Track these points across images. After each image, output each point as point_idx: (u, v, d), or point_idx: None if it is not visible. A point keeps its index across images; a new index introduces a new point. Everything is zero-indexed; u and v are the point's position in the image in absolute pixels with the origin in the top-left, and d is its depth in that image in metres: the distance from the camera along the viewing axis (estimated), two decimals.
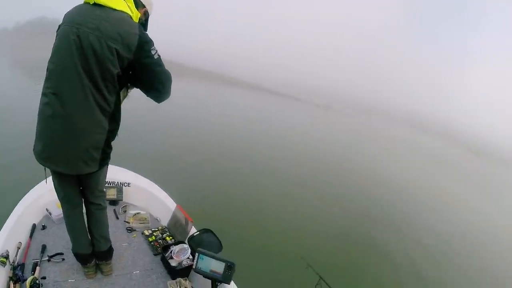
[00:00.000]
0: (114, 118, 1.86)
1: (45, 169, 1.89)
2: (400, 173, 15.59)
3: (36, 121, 1.77)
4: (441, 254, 7.02)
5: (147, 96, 1.91)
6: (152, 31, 1.89)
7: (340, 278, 4.67)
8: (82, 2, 1.73)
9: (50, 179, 1.99)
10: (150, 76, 1.80)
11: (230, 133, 14.26)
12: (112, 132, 1.89)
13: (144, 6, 1.92)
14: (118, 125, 1.93)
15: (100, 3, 1.65)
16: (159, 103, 1.95)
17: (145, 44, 1.73)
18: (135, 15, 1.79)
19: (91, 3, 1.67)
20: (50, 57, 1.70)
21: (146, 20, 1.99)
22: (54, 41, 1.73)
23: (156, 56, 1.77)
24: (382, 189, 11.23)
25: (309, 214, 7.17)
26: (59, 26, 1.72)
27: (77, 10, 1.70)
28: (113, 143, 1.96)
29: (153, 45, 1.77)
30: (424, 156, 27.59)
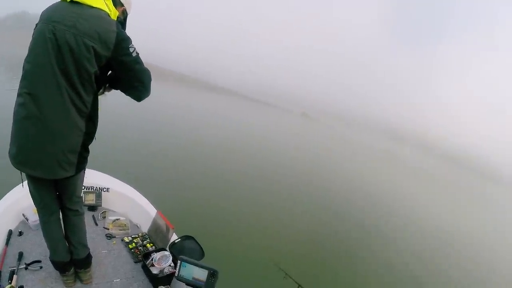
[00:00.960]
0: (91, 119, 1.81)
1: (21, 173, 1.81)
2: (375, 180, 16.17)
3: (12, 123, 1.70)
4: (415, 255, 7.39)
5: (127, 95, 1.87)
6: (136, 36, 1.86)
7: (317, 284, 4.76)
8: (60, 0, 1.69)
9: (26, 183, 1.92)
10: (129, 74, 1.77)
11: (211, 140, 14.31)
12: (89, 134, 1.84)
13: (122, 5, 1.89)
14: (96, 127, 1.88)
15: (77, 1, 1.62)
16: (139, 101, 1.91)
17: (123, 41, 1.70)
18: (113, 13, 1.77)
19: (68, 1, 1.63)
20: (26, 56, 1.65)
21: (125, 19, 1.96)
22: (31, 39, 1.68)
23: (134, 54, 1.74)
24: (357, 196, 11.75)
25: (287, 218, 7.35)
26: (36, 25, 1.68)
27: (54, 8, 1.66)
28: (90, 147, 1.91)
29: (131, 43, 1.75)
30: (398, 165, 28.43)
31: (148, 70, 1.82)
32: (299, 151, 19.53)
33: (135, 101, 1.91)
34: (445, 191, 22.54)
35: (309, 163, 15.97)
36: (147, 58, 1.83)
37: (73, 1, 1.62)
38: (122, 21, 1.92)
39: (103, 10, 1.68)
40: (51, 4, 1.69)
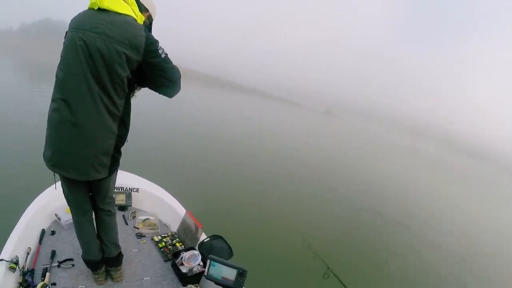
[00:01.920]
0: (123, 122, 1.85)
1: (54, 174, 1.87)
2: (400, 176, 15.94)
3: (46, 127, 1.75)
4: (445, 249, 7.35)
5: (159, 93, 1.89)
6: (161, 38, 1.87)
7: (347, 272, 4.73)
8: (86, 8, 1.72)
9: (59, 184, 1.97)
10: (160, 74, 1.79)
11: (236, 139, 14.41)
12: (121, 137, 1.87)
13: (147, 11, 1.91)
14: (127, 129, 1.92)
15: (104, 8, 1.65)
16: (170, 97, 1.93)
17: (151, 44, 1.72)
18: (140, 18, 1.79)
19: (95, 9, 1.66)
20: (59, 64, 1.69)
21: (150, 24, 1.98)
22: (61, 46, 1.72)
23: (163, 55, 1.76)
24: (385, 190, 11.76)
25: (318, 218, 7.25)
26: (66, 33, 1.72)
27: (82, 16, 1.70)
28: (122, 149, 1.94)
29: (159, 45, 1.77)
30: (423, 161, 27.71)
31: (177, 68, 1.84)
32: (325, 148, 19.35)
33: (167, 97, 1.93)
34: (475, 187, 21.71)
35: (335, 161, 15.81)
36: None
37: (101, 9, 1.65)
38: (148, 25, 1.94)
39: (130, 16, 1.71)
40: (79, 13, 1.73)
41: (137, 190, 3.39)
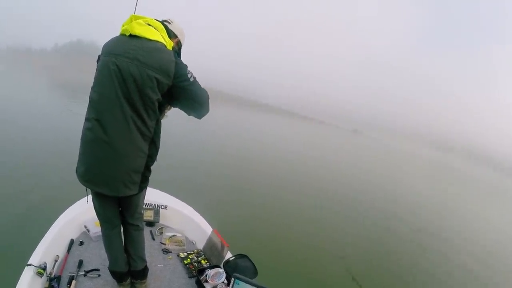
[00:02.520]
0: (154, 143, 1.90)
1: (86, 189, 1.94)
2: (431, 195, 15.49)
3: (79, 144, 1.83)
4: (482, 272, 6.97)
5: (188, 114, 1.95)
6: (187, 59, 1.95)
7: None
8: (118, 33, 1.82)
9: (90, 197, 2.04)
10: (189, 97, 1.84)
11: (266, 160, 14.48)
12: (152, 156, 1.93)
13: (176, 36, 2.00)
14: (157, 149, 1.97)
15: (136, 34, 1.74)
16: (200, 118, 1.99)
17: (181, 69, 1.79)
18: (169, 44, 1.86)
19: (127, 35, 1.75)
20: (92, 87, 1.78)
21: (179, 49, 2.07)
22: (92, 67, 1.83)
23: (192, 79, 1.82)
24: (420, 211, 11.50)
25: (346, 237, 7.09)
26: (99, 57, 1.81)
27: (115, 41, 1.79)
28: (151, 167, 2.00)
29: (188, 69, 1.83)
30: (451, 176, 26.70)
31: (205, 90, 1.89)
32: (354, 167, 19.13)
33: (196, 118, 1.99)
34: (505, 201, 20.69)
35: (366, 179, 15.58)
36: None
37: (132, 35, 1.74)
38: (177, 50, 2.03)
39: (160, 42, 1.79)
40: (111, 38, 1.82)
41: (165, 207, 3.45)
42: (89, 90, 1.80)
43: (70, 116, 12.79)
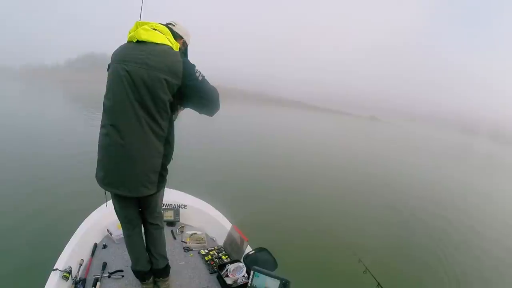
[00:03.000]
0: (168, 142, 1.96)
1: (105, 193, 2.01)
2: (455, 180, 15.05)
3: (97, 151, 1.90)
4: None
5: (199, 112, 1.99)
6: (198, 60, 1.99)
7: None
8: (125, 41, 1.89)
9: (110, 202, 2.11)
10: (199, 96, 1.89)
11: (279, 153, 14.45)
12: (167, 155, 1.98)
13: (181, 37, 2.07)
14: (172, 148, 2.02)
15: (143, 40, 1.80)
16: (211, 116, 2.02)
17: (189, 68, 1.84)
18: (175, 45, 1.92)
19: (134, 41, 1.82)
20: (105, 94, 1.85)
21: (186, 49, 2.13)
22: (105, 78, 1.89)
23: (200, 78, 1.86)
24: (439, 199, 10.90)
25: (367, 228, 6.98)
26: (109, 65, 1.88)
27: (123, 48, 1.86)
28: (168, 167, 2.05)
29: (196, 68, 1.88)
30: (476, 160, 25.92)
31: (215, 88, 1.94)
32: (372, 155, 18.83)
33: (208, 116, 2.02)
34: None
35: (383, 167, 15.29)
36: (211, 78, 1.97)
37: (139, 41, 1.81)
38: (183, 51, 2.10)
39: (166, 45, 1.85)
40: (119, 46, 1.89)
41: (185, 206, 3.52)
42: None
43: (89, 128, 13.19)
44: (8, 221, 4.93)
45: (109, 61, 1.91)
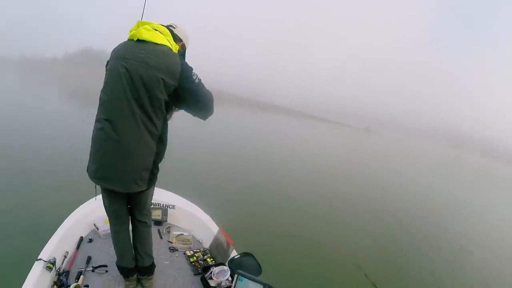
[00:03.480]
0: (161, 140, 1.99)
1: (95, 187, 2.03)
2: (446, 192, 15.19)
3: (90, 145, 1.92)
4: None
5: (193, 115, 2.03)
6: (194, 62, 2.04)
7: None
8: (126, 39, 1.92)
9: (99, 197, 2.13)
10: (194, 98, 1.93)
11: (270, 160, 14.53)
12: (159, 154, 2.01)
13: (181, 40, 2.11)
14: (165, 147, 2.05)
15: (143, 39, 1.84)
16: (204, 120, 2.07)
17: (186, 71, 1.88)
18: (174, 47, 1.96)
19: (135, 40, 1.86)
20: (102, 89, 1.87)
21: (184, 52, 2.17)
22: (102, 72, 1.93)
23: (197, 81, 1.91)
24: (431, 208, 11.29)
25: (351, 237, 7.07)
26: (108, 62, 1.91)
27: (123, 46, 1.89)
28: (161, 167, 2.08)
29: (193, 71, 1.92)
30: (466, 173, 26.33)
31: (210, 92, 1.98)
32: (364, 165, 19.08)
33: (201, 119, 2.08)
34: None
35: (378, 178, 15.53)
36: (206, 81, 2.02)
37: (140, 40, 1.84)
38: (182, 53, 2.14)
39: (166, 46, 1.89)
40: (120, 43, 1.92)
41: (173, 207, 3.52)
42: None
43: (82, 125, 13.13)
44: None
45: (107, 58, 1.94)
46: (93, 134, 1.89)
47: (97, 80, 1.99)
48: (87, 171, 1.95)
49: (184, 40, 2.14)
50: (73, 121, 14.49)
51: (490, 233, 10.04)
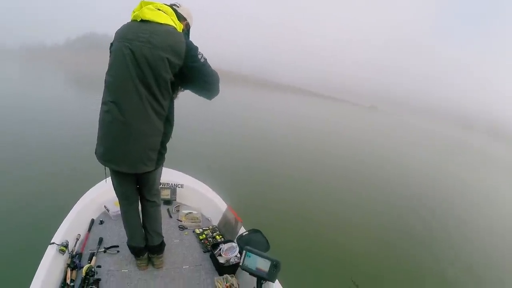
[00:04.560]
0: (168, 120, 1.99)
1: (105, 169, 2.04)
2: (453, 177, 14.98)
3: (97, 128, 1.93)
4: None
5: (199, 95, 2.02)
6: (198, 42, 2.01)
7: None
8: (129, 20, 1.90)
9: (109, 179, 2.15)
10: (199, 78, 1.92)
11: (278, 138, 14.56)
12: (167, 134, 2.01)
13: (185, 19, 2.07)
14: (172, 127, 2.05)
15: (147, 19, 1.81)
16: (210, 99, 2.07)
17: (191, 50, 1.86)
18: (179, 26, 1.93)
19: (138, 20, 1.83)
20: (107, 71, 1.86)
21: (188, 31, 2.13)
22: (106, 56, 1.91)
23: (202, 60, 1.89)
24: (437, 200, 10.78)
25: (357, 215, 7.11)
26: (111, 44, 1.89)
27: (126, 27, 1.87)
28: (169, 146, 2.09)
29: (199, 50, 1.89)
30: (472, 155, 26.12)
31: (216, 72, 1.96)
32: (369, 145, 18.95)
33: (207, 99, 2.08)
34: None
35: (380, 158, 15.40)
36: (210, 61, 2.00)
37: (144, 20, 1.81)
38: (186, 32, 2.10)
39: (170, 26, 1.86)
40: (123, 25, 1.90)
41: (182, 186, 3.56)
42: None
43: (89, 109, 13.18)
44: (8, 200, 5.02)
45: (110, 41, 1.92)
46: (99, 116, 1.90)
47: (99, 64, 1.99)
48: (95, 153, 1.97)
49: (188, 19, 2.10)
50: (74, 106, 14.61)
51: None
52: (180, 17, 2.01)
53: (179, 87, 2.03)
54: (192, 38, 2.09)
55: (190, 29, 2.17)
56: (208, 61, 1.94)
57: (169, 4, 1.99)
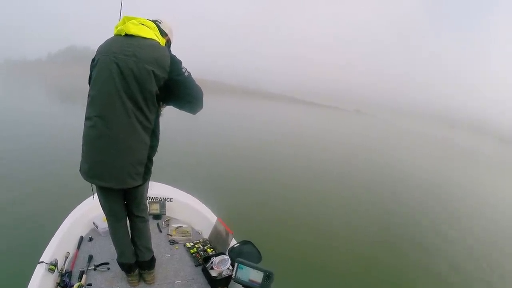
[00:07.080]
0: (154, 134, 1.99)
1: (92, 186, 2.03)
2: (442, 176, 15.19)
3: (82, 143, 1.90)
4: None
5: (183, 110, 2.04)
6: (182, 53, 2.03)
7: None
8: (112, 35, 1.92)
9: (96, 195, 2.13)
10: (183, 91, 1.94)
11: (267, 146, 14.58)
12: (153, 147, 2.01)
13: (167, 35, 2.11)
14: (158, 140, 2.06)
15: (131, 34, 1.84)
16: (194, 114, 2.08)
17: (176, 63, 1.90)
18: (161, 41, 1.98)
19: (122, 34, 1.85)
20: (92, 85, 1.86)
21: (169, 46, 2.17)
22: (89, 71, 1.92)
23: (186, 73, 1.92)
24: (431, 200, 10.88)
25: (347, 222, 7.13)
26: (94, 59, 1.89)
27: (111, 42, 1.88)
28: (154, 160, 2.08)
29: (183, 64, 1.93)
30: (456, 152, 26.70)
31: (199, 86, 1.99)
32: (358, 149, 19.19)
33: (191, 114, 2.08)
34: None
35: (369, 161, 15.57)
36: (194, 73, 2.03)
37: (128, 35, 1.83)
38: (168, 47, 2.13)
39: (154, 40, 1.89)
40: (106, 40, 1.92)
41: (171, 199, 3.54)
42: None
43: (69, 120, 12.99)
44: None
45: (92, 55, 1.92)
46: (84, 132, 1.88)
47: (82, 77, 1.98)
48: (79, 171, 1.94)
49: (169, 35, 2.14)
50: (58, 121, 14.43)
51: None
52: (162, 33, 2.05)
53: (162, 104, 2.04)
54: (175, 51, 2.12)
55: (171, 45, 2.20)
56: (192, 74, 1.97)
57: (151, 19, 2.02)
